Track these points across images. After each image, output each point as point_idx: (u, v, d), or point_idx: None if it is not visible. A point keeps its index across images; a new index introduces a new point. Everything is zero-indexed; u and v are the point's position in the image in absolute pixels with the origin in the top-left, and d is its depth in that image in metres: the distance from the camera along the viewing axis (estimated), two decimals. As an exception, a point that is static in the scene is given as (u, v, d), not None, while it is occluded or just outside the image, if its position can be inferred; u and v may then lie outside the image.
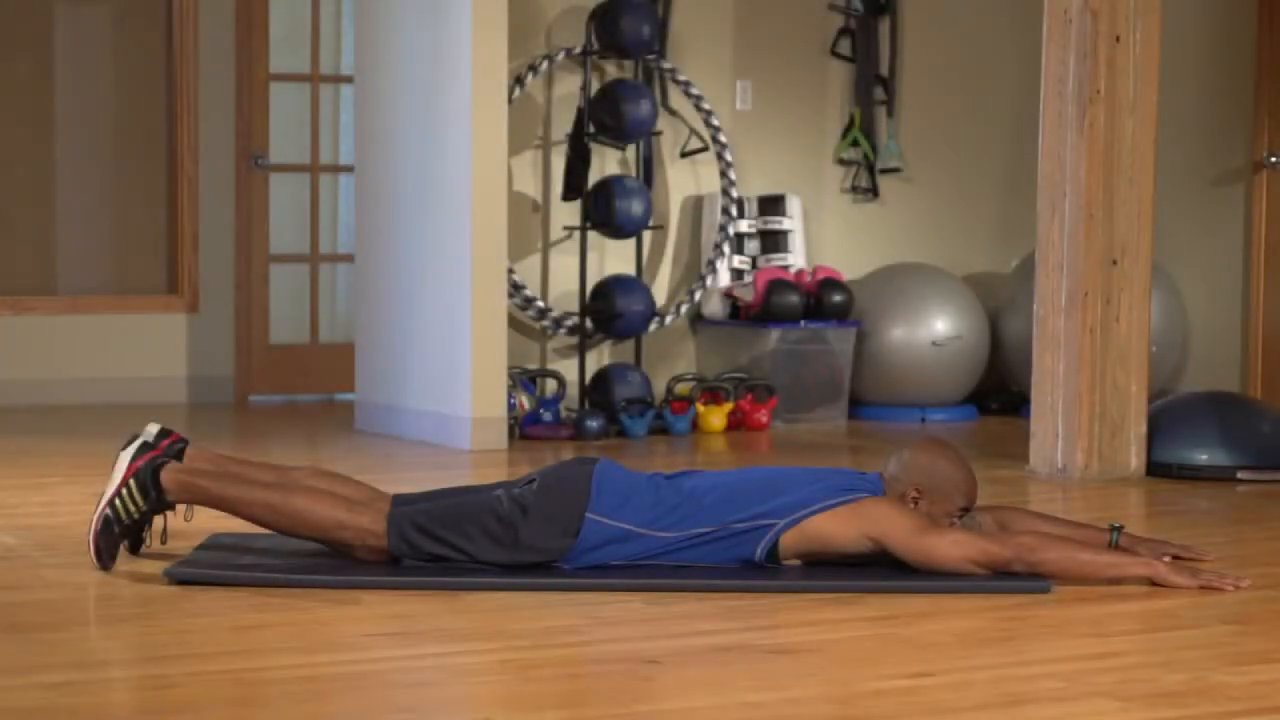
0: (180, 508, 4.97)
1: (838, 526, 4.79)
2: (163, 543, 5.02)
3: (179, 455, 5.06)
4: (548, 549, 4.80)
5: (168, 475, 4.87)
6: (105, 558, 4.85)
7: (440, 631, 4.32)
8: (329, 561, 4.91)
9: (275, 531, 4.94)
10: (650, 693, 3.80)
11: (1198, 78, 9.38)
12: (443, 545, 4.81)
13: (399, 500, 4.90)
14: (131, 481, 4.86)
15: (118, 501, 4.86)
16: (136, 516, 4.87)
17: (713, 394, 8.41)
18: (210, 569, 4.78)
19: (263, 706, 3.66)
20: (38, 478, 6.70)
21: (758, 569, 4.82)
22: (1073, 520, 5.28)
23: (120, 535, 4.88)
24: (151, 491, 4.86)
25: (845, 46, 9.18)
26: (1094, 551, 4.84)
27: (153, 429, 5.07)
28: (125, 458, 4.90)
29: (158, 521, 5.04)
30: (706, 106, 8.74)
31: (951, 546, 4.74)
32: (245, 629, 4.29)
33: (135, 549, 5.02)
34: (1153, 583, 4.80)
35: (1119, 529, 5.03)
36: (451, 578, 4.74)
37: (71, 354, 9.19)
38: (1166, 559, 4.97)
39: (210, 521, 5.52)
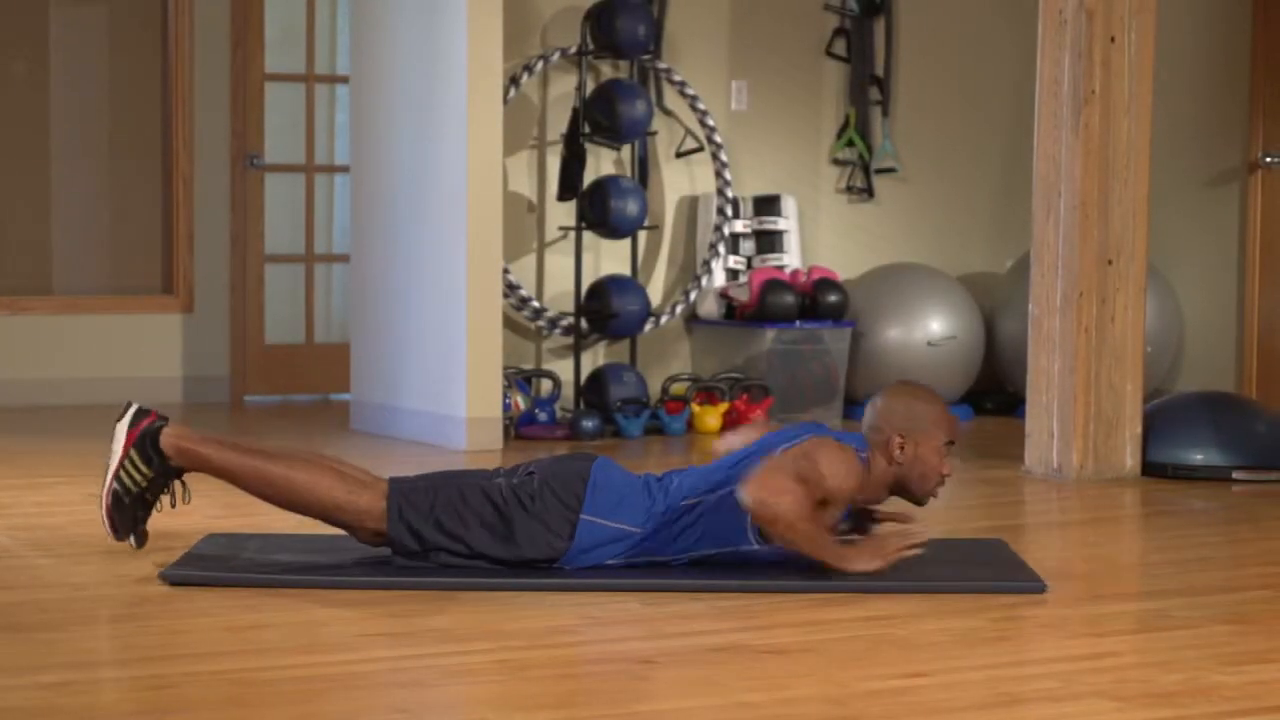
0: (177, 494, 4.94)
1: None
2: (186, 501, 4.99)
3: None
4: (543, 550, 4.80)
5: (167, 440, 4.86)
6: (121, 531, 4.87)
7: (435, 632, 4.32)
8: (325, 562, 4.91)
9: (272, 504, 4.91)
10: (646, 693, 3.80)
11: (1193, 78, 9.38)
12: (440, 531, 4.79)
13: (396, 482, 4.88)
14: (133, 451, 4.86)
15: (123, 473, 4.86)
16: (144, 484, 4.87)
17: (708, 394, 8.41)
18: (206, 570, 4.78)
19: (259, 707, 3.66)
20: (33, 478, 6.69)
21: (756, 555, 4.81)
22: None
23: (131, 506, 4.88)
24: (154, 458, 4.86)
25: (840, 47, 9.18)
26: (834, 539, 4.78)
27: (132, 403, 5.02)
28: (122, 429, 4.89)
29: (164, 508, 5.01)
30: (702, 106, 8.74)
31: (789, 501, 4.64)
32: (241, 629, 4.29)
33: (140, 541, 4.98)
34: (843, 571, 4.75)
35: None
36: (448, 578, 4.74)
37: (67, 354, 9.19)
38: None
39: (207, 522, 5.52)
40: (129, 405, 4.94)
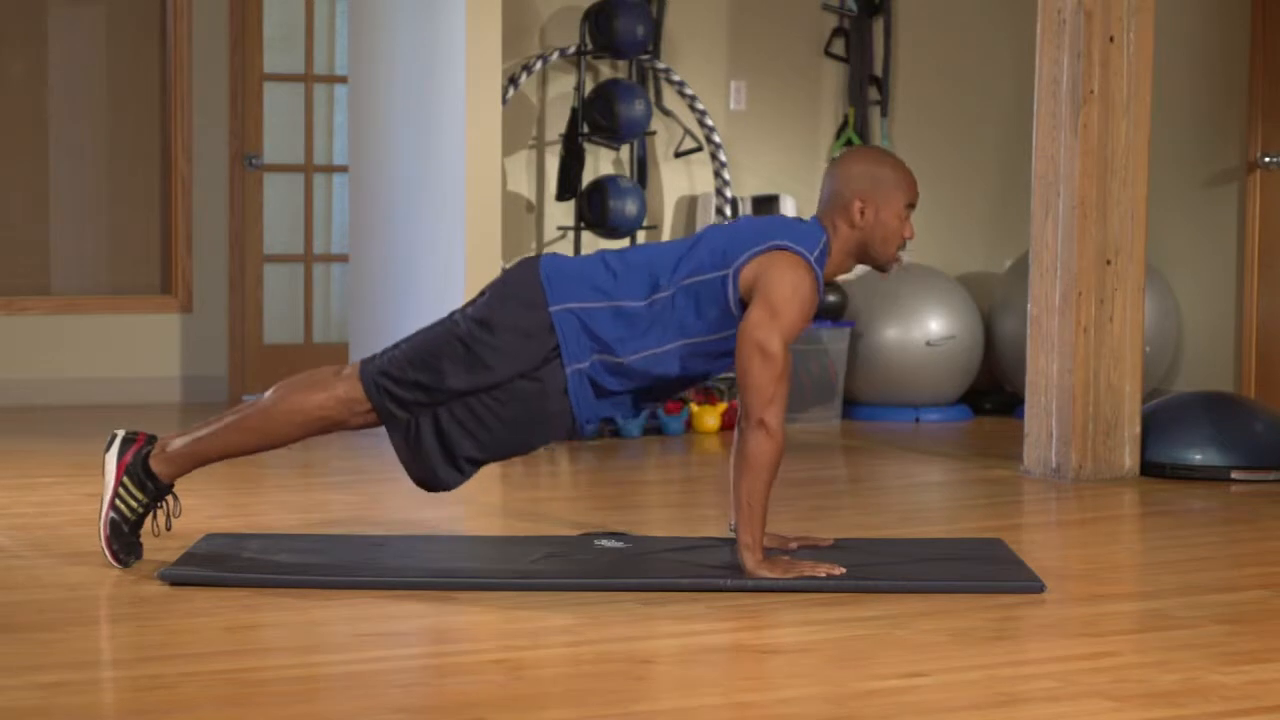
0: (162, 515, 4.94)
1: (750, 276, 4.74)
2: (168, 529, 4.99)
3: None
4: (524, 362, 4.76)
5: (156, 461, 4.87)
6: (124, 556, 4.86)
7: (434, 631, 4.32)
8: (325, 562, 4.91)
9: (270, 449, 4.90)
10: (644, 692, 3.80)
11: (1192, 78, 9.39)
12: (420, 389, 4.77)
13: (365, 361, 4.87)
14: (126, 479, 4.86)
15: (119, 502, 4.86)
16: (141, 510, 4.87)
17: (707, 394, 8.41)
18: (205, 570, 4.78)
19: (257, 706, 3.66)
20: (31, 478, 6.69)
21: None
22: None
23: (130, 532, 4.88)
24: (148, 483, 4.86)
25: (839, 46, 9.18)
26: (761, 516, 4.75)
27: (118, 431, 5.03)
28: (111, 458, 4.90)
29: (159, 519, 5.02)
30: (700, 106, 8.74)
31: (762, 362, 4.65)
32: (239, 629, 4.29)
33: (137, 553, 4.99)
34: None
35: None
36: (449, 578, 4.74)
37: (66, 354, 9.19)
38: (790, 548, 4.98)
39: (205, 522, 5.52)
40: (114, 435, 4.94)
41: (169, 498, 4.94)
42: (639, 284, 4.80)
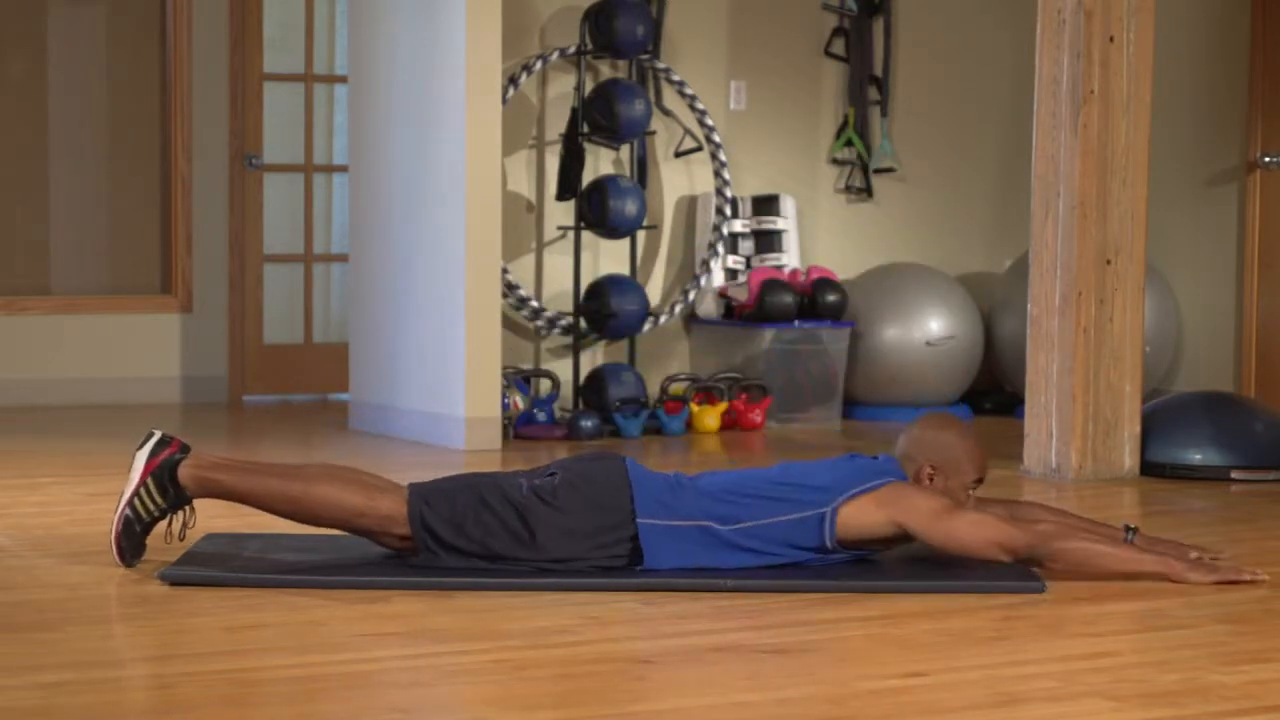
0: (178, 521, 4.94)
1: (864, 514, 4.80)
2: (180, 539, 4.99)
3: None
4: (568, 550, 4.80)
5: (185, 471, 4.86)
6: (129, 556, 4.86)
7: (433, 631, 4.32)
8: (325, 562, 4.91)
9: (295, 521, 4.91)
10: (643, 693, 3.80)
11: (1192, 77, 9.38)
12: (461, 535, 4.78)
13: (416, 486, 4.87)
14: (150, 480, 4.86)
15: (137, 501, 4.86)
16: (156, 514, 4.87)
17: (707, 394, 8.41)
18: (205, 570, 4.78)
19: (257, 706, 3.66)
20: (31, 478, 6.69)
21: (820, 554, 4.84)
22: (1086, 518, 5.29)
23: (142, 533, 4.88)
24: (170, 489, 4.86)
25: (839, 46, 9.18)
26: (1112, 545, 4.87)
27: (155, 432, 5.03)
28: (142, 457, 4.89)
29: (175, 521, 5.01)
30: (700, 106, 8.74)
31: (971, 528, 4.77)
32: (239, 629, 4.29)
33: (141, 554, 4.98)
34: (1169, 579, 4.82)
35: (1134, 530, 5.05)
36: (448, 578, 4.73)
37: (65, 354, 9.19)
38: (1191, 556, 5.00)
39: (204, 522, 5.52)
40: (151, 434, 4.94)
41: (186, 509, 4.93)
42: (722, 508, 4.88)
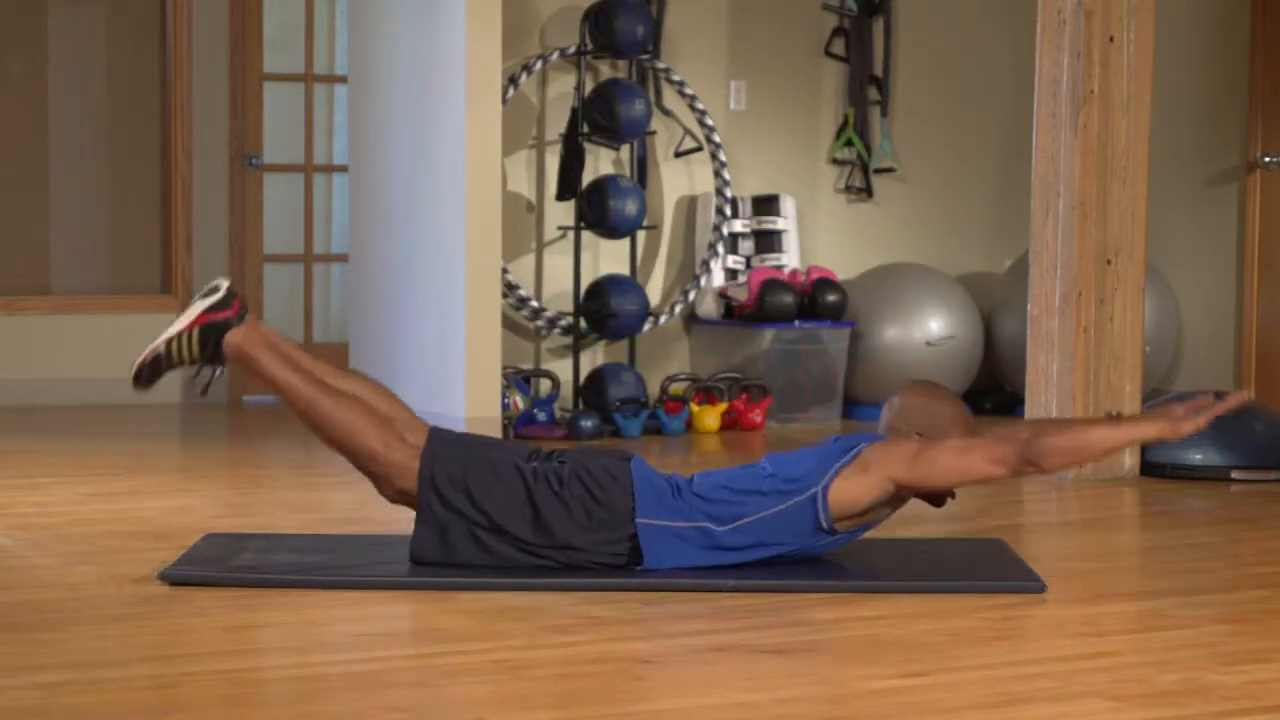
0: (204, 376, 4.93)
1: (852, 484, 4.77)
2: (202, 394, 5.00)
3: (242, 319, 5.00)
4: (573, 537, 4.79)
5: (231, 341, 4.86)
6: (144, 384, 4.88)
7: (433, 631, 4.32)
8: (325, 562, 4.91)
9: (309, 430, 4.88)
10: (644, 693, 3.80)
11: (1192, 78, 9.39)
12: (468, 500, 4.76)
13: (432, 445, 4.82)
14: (195, 330, 4.87)
15: (175, 344, 4.87)
16: (187, 361, 4.88)
17: (707, 394, 8.41)
18: (205, 570, 4.78)
19: (257, 706, 3.66)
20: (31, 477, 6.69)
21: (822, 536, 4.82)
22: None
23: (165, 371, 4.89)
24: (210, 348, 4.86)
25: (839, 46, 9.18)
26: (1100, 426, 4.75)
27: (223, 283, 4.99)
28: (198, 306, 4.89)
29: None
30: (700, 106, 8.74)
31: (955, 455, 4.71)
32: (239, 629, 4.29)
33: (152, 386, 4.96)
34: (1166, 439, 4.72)
35: (1118, 415, 4.96)
36: (447, 578, 4.73)
37: (65, 354, 9.19)
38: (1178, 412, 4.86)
39: (205, 522, 5.53)
40: (217, 287, 4.92)
41: (217, 369, 4.92)
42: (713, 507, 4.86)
